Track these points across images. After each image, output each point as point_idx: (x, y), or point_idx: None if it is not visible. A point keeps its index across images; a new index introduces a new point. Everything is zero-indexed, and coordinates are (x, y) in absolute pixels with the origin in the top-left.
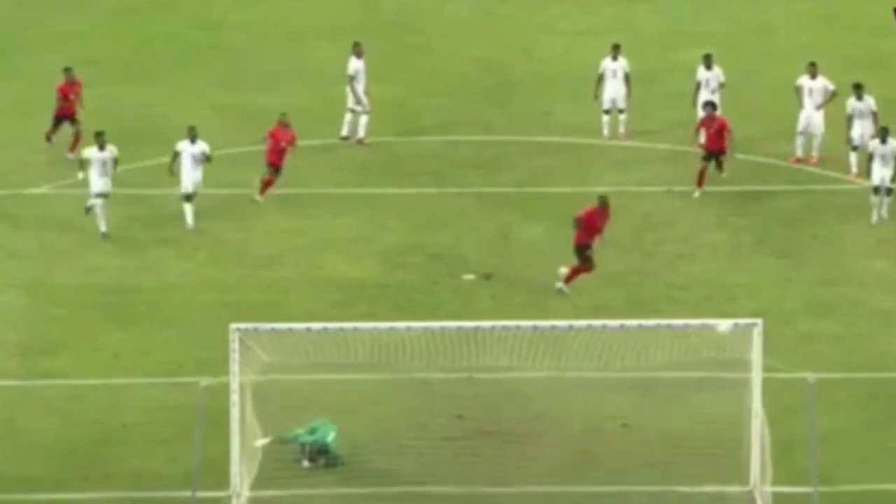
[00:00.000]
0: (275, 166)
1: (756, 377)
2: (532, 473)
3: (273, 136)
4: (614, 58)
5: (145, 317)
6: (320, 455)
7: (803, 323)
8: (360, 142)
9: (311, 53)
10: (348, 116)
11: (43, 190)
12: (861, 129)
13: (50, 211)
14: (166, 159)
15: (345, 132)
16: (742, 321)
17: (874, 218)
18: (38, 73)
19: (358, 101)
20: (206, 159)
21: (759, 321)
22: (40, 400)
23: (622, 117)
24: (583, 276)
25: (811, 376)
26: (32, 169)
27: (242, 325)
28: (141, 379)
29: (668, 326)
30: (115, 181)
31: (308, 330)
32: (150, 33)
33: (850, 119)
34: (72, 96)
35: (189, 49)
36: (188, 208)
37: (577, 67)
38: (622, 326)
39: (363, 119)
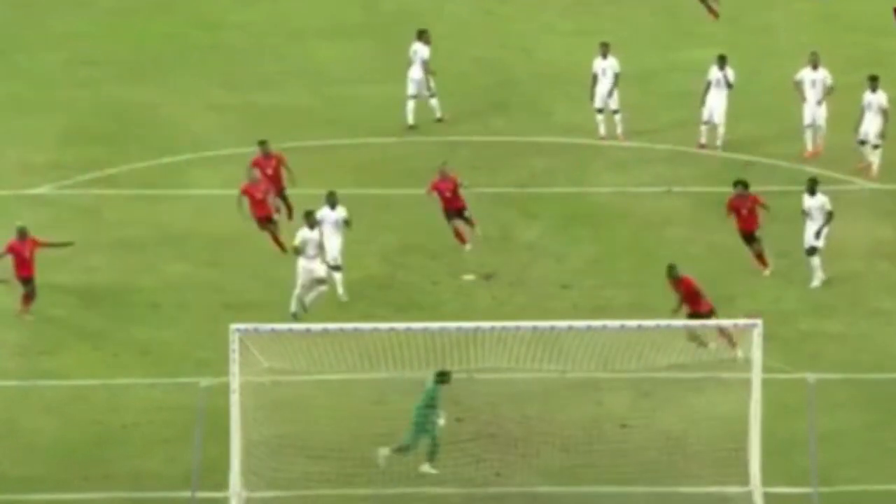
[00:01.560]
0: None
1: (756, 377)
2: (532, 474)
3: (436, 188)
4: (604, 56)
5: (145, 317)
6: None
7: (803, 323)
8: (440, 120)
9: (311, 53)
10: (411, 104)
11: (43, 190)
12: (867, 125)
13: (50, 211)
14: (167, 159)
15: (411, 120)
16: (742, 321)
17: (814, 282)
18: (38, 73)
19: (427, 87)
20: (346, 225)
21: (759, 321)
22: (40, 400)
23: (617, 118)
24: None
25: (811, 376)
26: (32, 169)
27: (242, 326)
28: (141, 379)
29: (668, 326)
30: (114, 181)
31: (308, 330)
32: (150, 33)
33: (863, 110)
34: (269, 171)
35: (189, 49)
36: (337, 277)
37: (577, 67)
38: (622, 327)
39: (434, 101)
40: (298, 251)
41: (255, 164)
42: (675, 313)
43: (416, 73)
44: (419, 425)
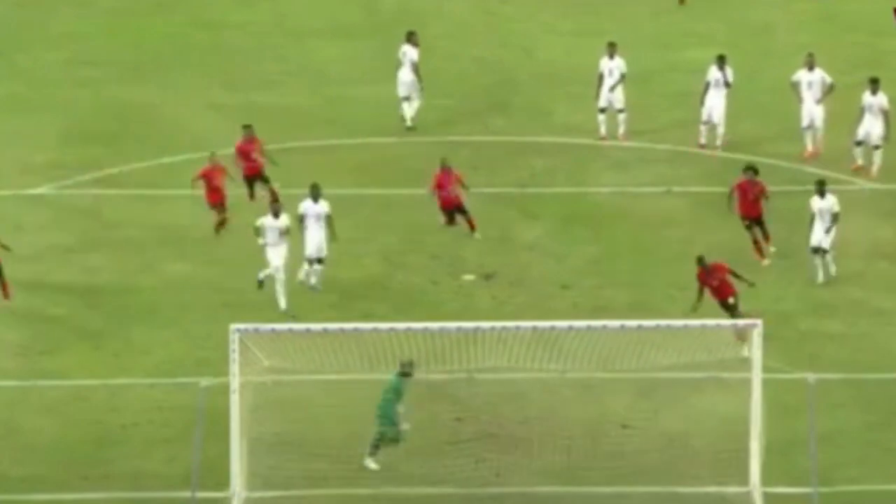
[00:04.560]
0: None
1: (756, 377)
2: (532, 474)
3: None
4: (610, 56)
5: (145, 317)
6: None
7: (803, 323)
8: (411, 128)
9: (311, 53)
10: (405, 106)
11: (43, 190)
12: (868, 127)
13: (50, 211)
14: (167, 159)
15: (409, 122)
16: (742, 321)
17: (820, 278)
18: (38, 73)
19: (419, 89)
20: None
21: (759, 321)
22: (40, 400)
23: (621, 117)
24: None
25: (811, 376)
26: (32, 169)
27: (242, 326)
28: (141, 379)
29: (668, 326)
30: (114, 181)
31: (308, 330)
32: (150, 33)
33: (862, 111)
34: (254, 154)
35: (189, 49)
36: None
37: (577, 67)
38: (622, 327)
39: (415, 105)
40: (258, 233)
41: (239, 149)
42: (694, 311)
43: (405, 75)
44: (385, 417)
